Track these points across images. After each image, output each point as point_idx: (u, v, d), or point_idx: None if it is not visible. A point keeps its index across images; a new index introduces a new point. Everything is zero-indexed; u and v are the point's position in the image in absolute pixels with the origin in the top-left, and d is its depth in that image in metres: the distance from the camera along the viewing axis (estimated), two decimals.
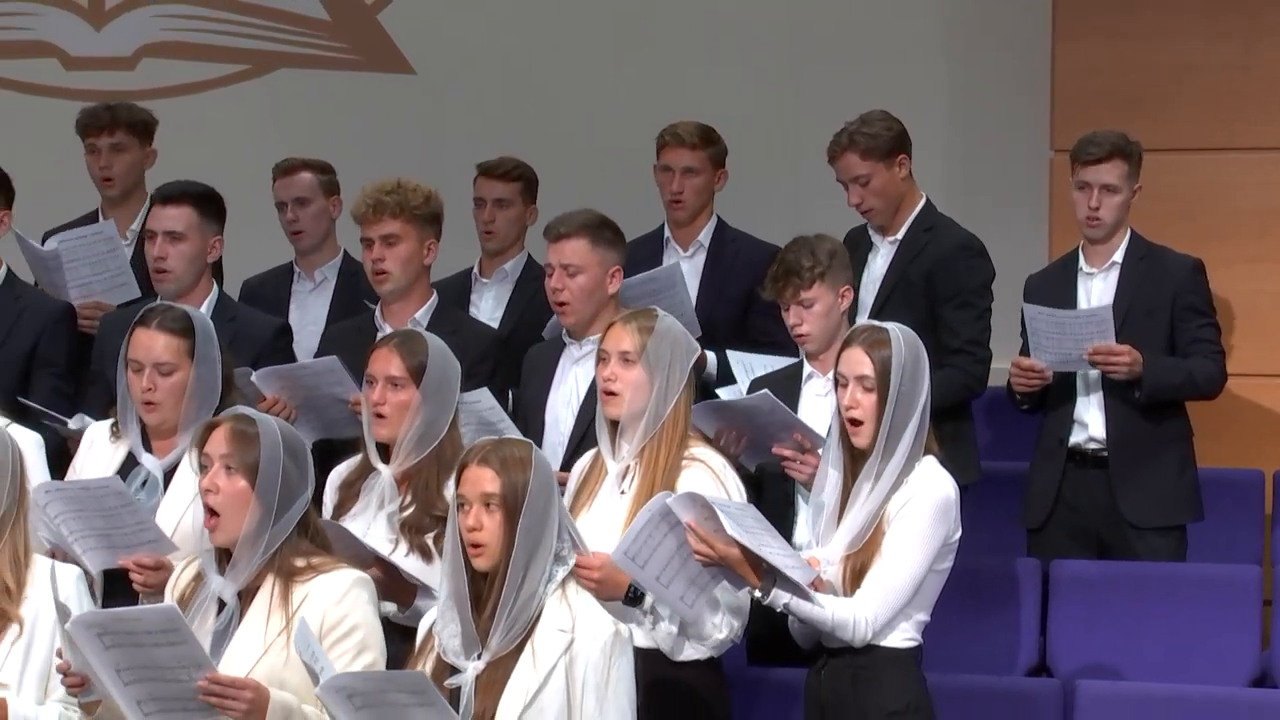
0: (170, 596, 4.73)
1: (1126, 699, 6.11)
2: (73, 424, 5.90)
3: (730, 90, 8.45)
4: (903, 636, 5.11)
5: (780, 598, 4.95)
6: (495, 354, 6.26)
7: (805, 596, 4.97)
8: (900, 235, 6.66)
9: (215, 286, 6.41)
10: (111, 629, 4.39)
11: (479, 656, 4.51)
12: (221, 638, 4.61)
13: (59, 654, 4.53)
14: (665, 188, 7.00)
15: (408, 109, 8.88)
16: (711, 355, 6.53)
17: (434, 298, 6.34)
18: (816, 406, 5.89)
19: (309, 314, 7.12)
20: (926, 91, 8.38)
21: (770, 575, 4.93)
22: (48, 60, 9.12)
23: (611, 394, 5.34)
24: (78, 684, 4.50)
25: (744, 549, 4.89)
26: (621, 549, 4.87)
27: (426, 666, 4.56)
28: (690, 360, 5.37)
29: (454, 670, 4.52)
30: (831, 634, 5.05)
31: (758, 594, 4.96)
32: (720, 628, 5.21)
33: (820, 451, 5.40)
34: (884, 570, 5.05)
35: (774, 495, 5.91)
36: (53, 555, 5.01)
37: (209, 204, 6.40)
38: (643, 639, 5.08)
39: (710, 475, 5.28)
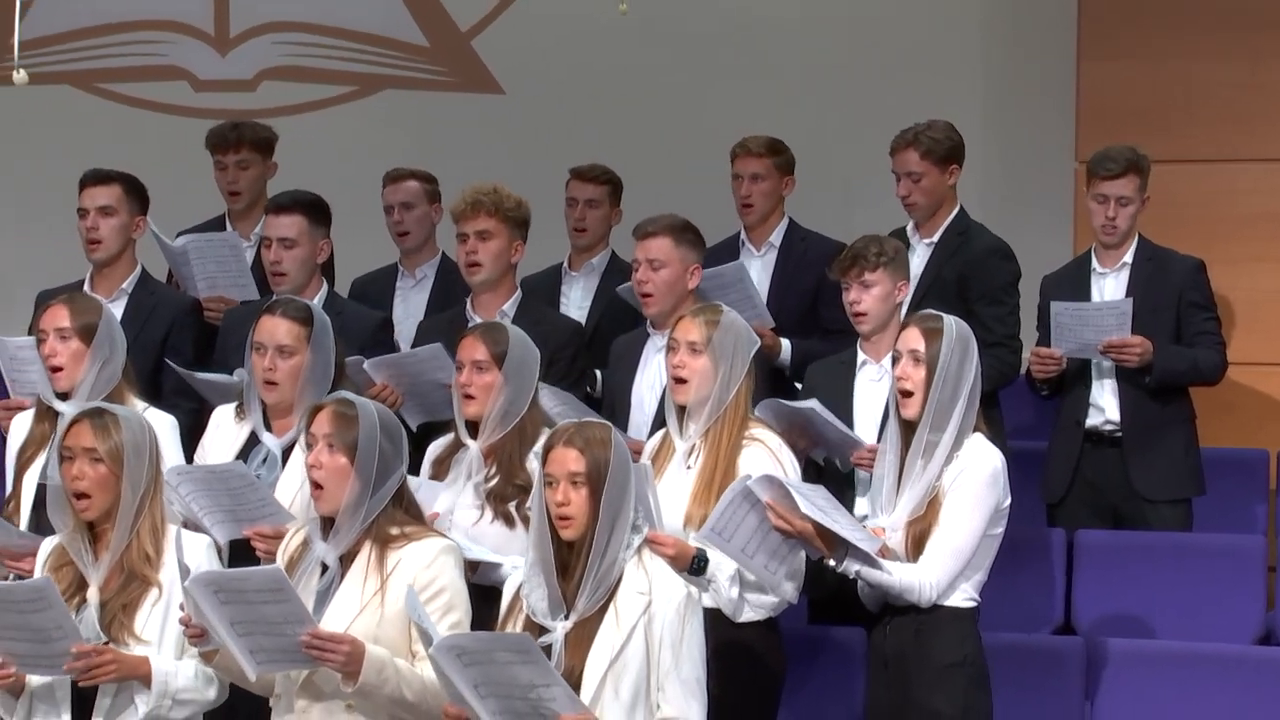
0: (281, 559, 4.73)
1: (1144, 655, 6.09)
2: (236, 375, 5.89)
3: (787, 106, 8.40)
4: (963, 596, 5.08)
5: (852, 566, 4.96)
6: (575, 343, 6.26)
7: (874, 565, 4.96)
8: (936, 238, 6.63)
9: (325, 284, 6.41)
10: (225, 587, 4.42)
11: (566, 617, 4.48)
12: (324, 597, 4.61)
13: (182, 608, 4.55)
14: (736, 193, 6.97)
15: (498, 125, 8.87)
16: (786, 342, 6.50)
17: (519, 293, 6.33)
18: (869, 391, 5.90)
19: (410, 307, 7.09)
20: (963, 107, 8.29)
21: (842, 546, 4.92)
22: (178, 83, 9.15)
23: (680, 380, 5.32)
24: (198, 635, 4.52)
25: (817, 524, 4.86)
26: (709, 526, 4.87)
27: (516, 627, 4.55)
28: (750, 351, 5.35)
29: (542, 630, 4.49)
30: (899, 597, 5.03)
31: (831, 563, 4.95)
32: (781, 592, 5.17)
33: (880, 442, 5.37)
34: (943, 537, 5.02)
35: (836, 474, 5.87)
36: (184, 526, 5.01)
37: (317, 211, 6.40)
38: (708, 600, 5.05)
39: (768, 453, 5.27)
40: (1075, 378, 6.60)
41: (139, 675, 4.65)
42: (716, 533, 4.86)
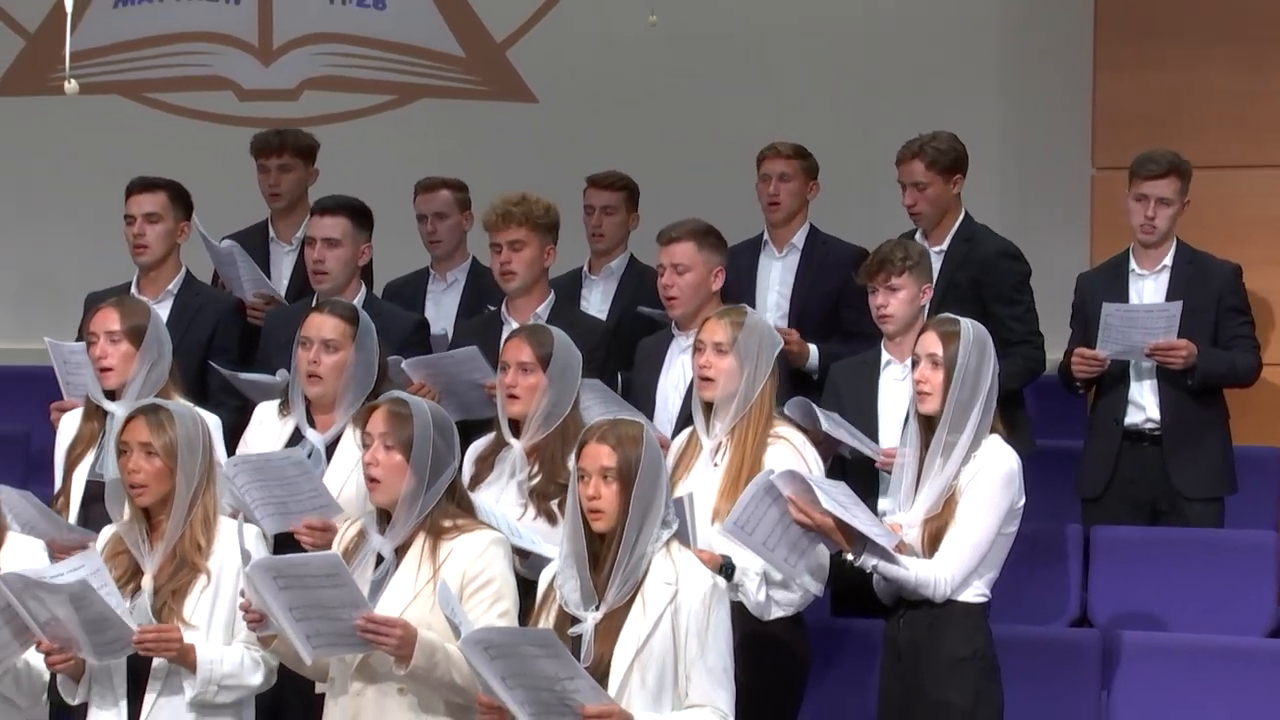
0: (336, 549, 4.78)
1: (1159, 647, 6.10)
2: (278, 376, 5.95)
3: (809, 115, 8.41)
4: (975, 593, 5.09)
5: (869, 560, 4.97)
6: (606, 343, 6.28)
7: (891, 559, 4.98)
8: (945, 246, 6.66)
9: (364, 287, 6.45)
10: (285, 572, 4.47)
11: (596, 607, 4.51)
12: (378, 586, 4.66)
13: (242, 593, 4.60)
14: (763, 193, 6.99)
15: (532, 132, 8.89)
16: (813, 348, 6.52)
17: (551, 296, 6.36)
18: (893, 390, 5.92)
19: (442, 310, 7.12)
20: (983, 116, 8.33)
21: (861, 540, 4.94)
22: (224, 92, 9.18)
23: (707, 380, 5.34)
24: (257, 619, 4.58)
25: (837, 519, 4.89)
26: (732, 519, 4.89)
27: (550, 616, 4.58)
28: (774, 352, 5.37)
29: (574, 620, 4.53)
30: (915, 591, 5.05)
31: (850, 556, 4.97)
32: (804, 586, 5.20)
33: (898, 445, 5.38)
34: (958, 535, 5.04)
35: (859, 473, 5.87)
36: (234, 516, 5.04)
37: (361, 215, 6.45)
38: (737, 594, 5.08)
39: (792, 450, 5.29)
40: (1114, 377, 6.60)
41: (186, 661, 4.71)
42: (739, 526, 4.89)
